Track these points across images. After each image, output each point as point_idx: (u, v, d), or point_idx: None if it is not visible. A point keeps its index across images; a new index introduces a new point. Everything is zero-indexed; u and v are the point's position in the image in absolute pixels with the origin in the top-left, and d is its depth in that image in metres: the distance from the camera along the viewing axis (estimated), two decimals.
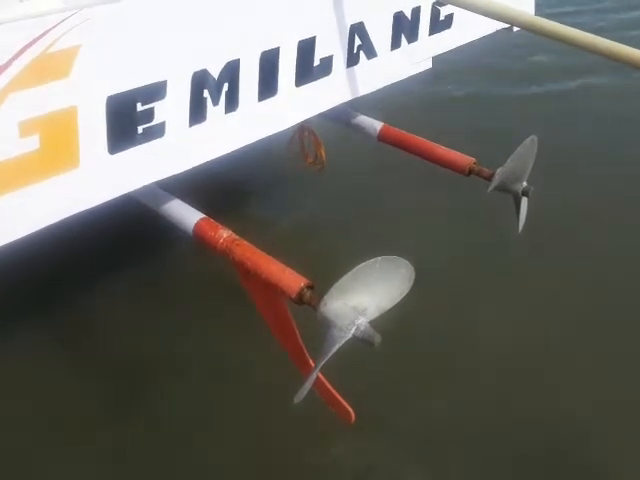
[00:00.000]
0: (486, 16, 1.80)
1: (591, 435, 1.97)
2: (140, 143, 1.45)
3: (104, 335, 2.26)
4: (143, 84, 1.41)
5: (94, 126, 1.36)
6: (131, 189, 1.51)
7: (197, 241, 1.71)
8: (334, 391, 1.73)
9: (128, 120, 1.41)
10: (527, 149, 2.05)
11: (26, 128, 1.25)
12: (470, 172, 2.15)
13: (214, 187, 2.56)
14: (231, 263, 1.63)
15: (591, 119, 3.58)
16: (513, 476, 1.88)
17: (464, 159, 2.17)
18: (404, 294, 1.48)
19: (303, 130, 2.60)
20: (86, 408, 1.99)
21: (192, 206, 1.77)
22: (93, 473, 1.83)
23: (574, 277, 2.51)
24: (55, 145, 1.31)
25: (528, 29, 1.69)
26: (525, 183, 2.11)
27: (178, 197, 1.80)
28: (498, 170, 2.07)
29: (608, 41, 1.57)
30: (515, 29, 2.21)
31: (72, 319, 2.29)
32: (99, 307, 2.33)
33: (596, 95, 3.84)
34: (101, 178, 1.41)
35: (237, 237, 1.65)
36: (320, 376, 1.62)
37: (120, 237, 2.46)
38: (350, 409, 1.74)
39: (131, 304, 2.34)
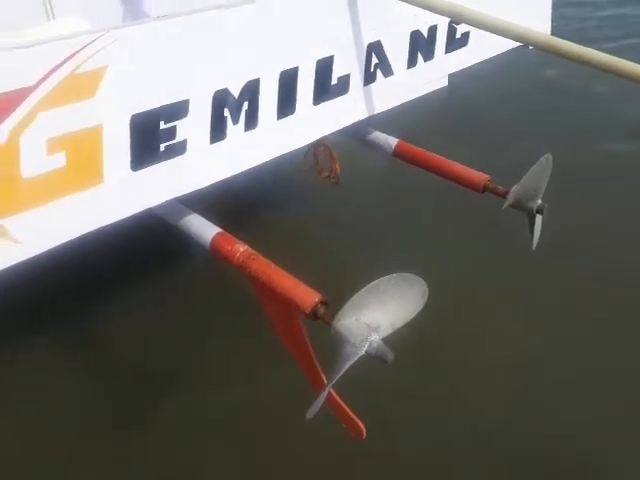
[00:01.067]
0: (501, 36, 1.82)
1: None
2: (162, 160, 1.49)
3: (124, 343, 2.30)
4: (166, 103, 1.45)
5: (118, 144, 1.40)
6: (152, 204, 1.55)
7: (214, 255, 1.74)
8: (346, 407, 1.74)
9: (151, 138, 1.45)
10: (542, 167, 2.05)
11: (53, 146, 1.30)
12: (485, 189, 2.15)
13: (232, 202, 2.60)
14: (247, 277, 1.65)
15: None
16: None
17: (479, 176, 2.18)
18: (417, 311, 1.49)
19: (319, 145, 2.63)
20: (99, 414, 2.03)
21: (210, 220, 1.81)
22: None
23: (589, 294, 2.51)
24: (80, 162, 1.35)
25: (543, 49, 1.70)
26: (540, 201, 2.12)
27: (196, 211, 1.84)
28: (513, 188, 2.07)
29: (625, 61, 1.58)
30: (530, 47, 2.23)
31: (94, 329, 2.33)
32: (120, 316, 2.37)
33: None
34: (124, 194, 1.45)
35: (253, 252, 1.68)
36: (332, 392, 1.63)
37: (140, 250, 2.50)
38: (361, 425, 1.75)
39: (149, 314, 2.38)
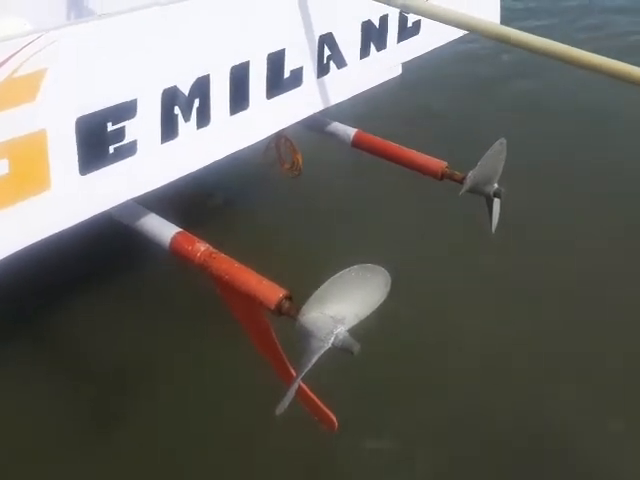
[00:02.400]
0: (451, 25, 1.84)
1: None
2: (112, 162, 1.45)
3: (86, 350, 2.25)
4: (113, 104, 1.41)
5: (64, 148, 1.35)
6: (104, 208, 1.51)
7: (174, 255, 1.72)
8: (317, 399, 1.75)
9: (99, 140, 1.41)
10: (497, 151, 2.09)
11: None
12: (442, 176, 2.18)
13: (191, 200, 2.57)
14: (209, 276, 1.63)
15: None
16: None
17: (436, 163, 2.21)
18: (382, 301, 1.51)
19: (279, 137, 2.62)
20: (71, 421, 1.98)
21: (168, 220, 1.78)
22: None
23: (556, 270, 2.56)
24: (25, 169, 1.30)
25: (493, 38, 1.73)
26: (496, 185, 2.16)
27: (154, 211, 1.81)
28: (469, 173, 2.11)
29: (567, 47, 1.61)
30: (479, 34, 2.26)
31: (52, 336, 2.28)
32: (81, 324, 2.32)
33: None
34: (73, 199, 1.41)
35: (214, 250, 1.66)
36: (302, 385, 1.63)
37: (97, 254, 2.45)
38: (333, 417, 1.76)
39: (112, 318, 2.33)
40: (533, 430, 2.03)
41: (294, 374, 1.58)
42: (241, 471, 1.89)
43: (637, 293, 2.54)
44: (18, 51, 1.23)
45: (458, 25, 1.85)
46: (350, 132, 2.38)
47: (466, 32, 2.43)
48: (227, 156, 1.74)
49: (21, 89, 1.25)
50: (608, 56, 1.53)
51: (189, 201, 2.53)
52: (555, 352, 2.28)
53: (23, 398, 2.04)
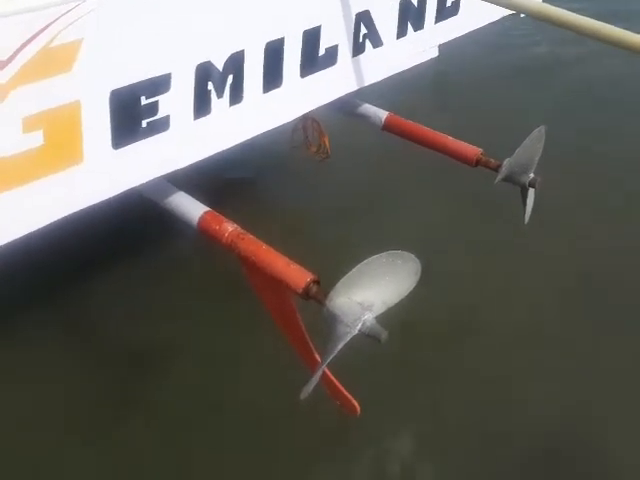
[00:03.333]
0: (493, 3, 1.76)
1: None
2: (144, 137, 1.43)
3: (109, 325, 2.26)
4: (147, 77, 1.39)
5: (98, 121, 1.34)
6: (136, 184, 1.50)
7: (202, 235, 1.70)
8: (340, 385, 1.73)
9: (132, 114, 1.39)
10: (535, 140, 2.02)
11: (29, 124, 1.23)
12: (477, 163, 2.12)
13: (219, 179, 2.55)
14: (236, 257, 1.62)
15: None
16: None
17: (471, 149, 2.14)
18: (411, 288, 1.47)
19: (307, 120, 2.57)
20: (87, 400, 2.00)
21: (197, 199, 1.76)
22: (94, 466, 1.84)
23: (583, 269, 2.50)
24: (59, 140, 1.29)
25: (535, 16, 1.65)
26: (532, 174, 2.09)
27: (183, 190, 1.79)
28: (505, 161, 2.04)
29: (616, 29, 1.53)
30: (522, 15, 2.17)
31: (77, 310, 2.29)
32: (108, 298, 2.33)
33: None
34: (105, 173, 1.40)
35: (242, 231, 1.64)
36: (326, 371, 1.62)
37: (125, 230, 2.45)
38: (356, 403, 1.75)
39: (136, 296, 2.34)
40: (561, 421, 1.98)
41: (319, 359, 1.56)
42: (262, 453, 1.89)
43: None
44: (55, 20, 1.21)
45: (498, 3, 1.77)
46: (382, 115, 2.32)
47: (506, 14, 2.37)
48: (258, 135, 1.71)
49: (57, 59, 1.23)
50: None
51: (218, 181, 2.51)
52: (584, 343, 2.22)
53: (46, 378, 2.05)
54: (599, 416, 2.02)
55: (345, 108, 2.35)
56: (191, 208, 1.73)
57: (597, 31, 1.56)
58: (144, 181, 1.51)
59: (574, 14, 1.59)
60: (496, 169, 2.06)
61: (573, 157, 3.04)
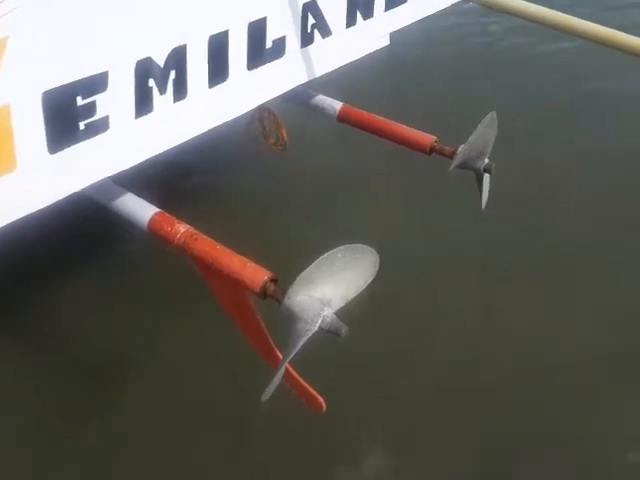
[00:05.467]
0: None
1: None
2: (83, 140, 1.36)
3: (69, 336, 2.19)
4: (82, 77, 1.32)
5: (31, 124, 1.27)
6: (77, 189, 1.43)
7: (153, 237, 1.65)
8: (304, 382, 1.71)
9: (68, 116, 1.32)
10: (488, 125, 2.03)
11: None
12: (432, 151, 2.12)
13: (170, 178, 2.48)
14: (190, 259, 1.57)
15: None
16: None
17: (425, 138, 2.14)
18: (369, 282, 1.46)
19: (262, 111, 2.52)
20: (60, 410, 1.94)
21: (147, 200, 1.70)
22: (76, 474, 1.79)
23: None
24: None
25: (483, 4, 1.65)
26: (487, 160, 2.10)
27: (131, 191, 1.73)
28: (460, 148, 2.05)
29: (565, 15, 1.55)
30: (470, 3, 2.18)
31: (33, 323, 2.20)
32: (57, 307, 2.25)
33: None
34: (42, 180, 1.33)
35: (195, 231, 1.59)
36: (289, 368, 1.59)
37: (72, 236, 2.37)
38: (321, 399, 1.73)
39: (91, 303, 2.26)
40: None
41: (281, 357, 1.53)
42: (231, 451, 1.86)
43: None
44: None
45: None
46: (336, 106, 2.30)
47: (455, 1, 2.37)
48: (207, 131, 1.66)
49: None
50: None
51: (167, 180, 2.45)
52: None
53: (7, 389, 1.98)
54: None
55: (299, 99, 2.31)
56: (141, 209, 1.67)
57: (546, 19, 1.57)
58: (85, 185, 1.44)
59: (522, 1, 1.60)
60: (451, 156, 2.07)
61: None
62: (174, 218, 1.62)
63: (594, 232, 2.66)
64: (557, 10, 1.57)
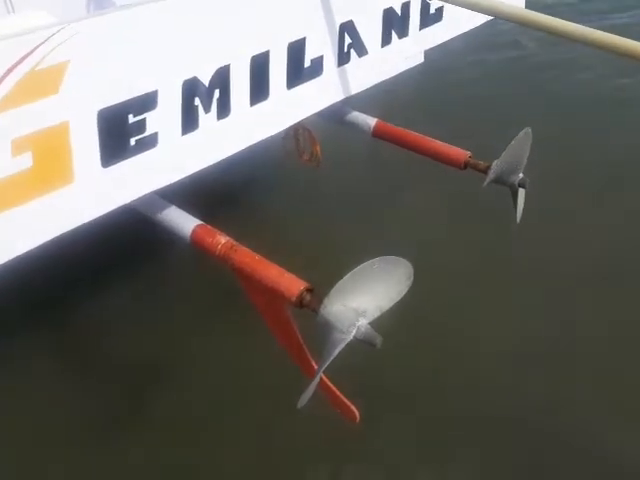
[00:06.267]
0: (475, 10, 1.79)
1: None
2: (133, 155, 1.44)
3: (109, 343, 2.27)
4: (133, 96, 1.41)
5: (86, 140, 1.36)
6: (126, 201, 1.51)
7: (195, 248, 1.71)
8: (338, 392, 1.73)
9: (120, 133, 1.41)
10: (522, 141, 2.04)
11: (18, 146, 1.25)
12: (466, 166, 2.14)
13: (211, 192, 2.56)
14: (230, 269, 1.63)
15: None
16: None
17: (459, 153, 2.16)
18: (404, 293, 1.48)
19: (298, 128, 2.59)
20: (90, 415, 2.00)
21: (189, 212, 1.77)
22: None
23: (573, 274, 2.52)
24: (48, 162, 1.31)
25: (517, 22, 1.68)
26: (521, 175, 2.11)
27: (175, 204, 1.80)
28: (494, 163, 2.06)
29: (599, 32, 1.56)
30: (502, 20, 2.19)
31: (73, 330, 2.29)
32: (98, 317, 2.34)
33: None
34: (96, 192, 1.41)
35: (235, 242, 1.65)
36: (324, 378, 1.62)
37: (118, 246, 2.46)
38: (355, 409, 1.75)
39: (132, 313, 2.34)
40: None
41: (315, 367, 1.57)
42: (262, 458, 1.89)
43: None
44: (41, 43, 1.23)
45: (482, 10, 1.80)
46: (371, 122, 2.34)
47: (490, 17, 2.39)
48: (247, 148, 1.72)
49: (44, 82, 1.25)
50: None
51: (209, 194, 2.53)
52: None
53: (44, 394, 2.06)
54: None
55: (334, 116, 2.36)
56: (183, 222, 1.74)
57: (578, 35, 1.58)
58: (134, 198, 1.53)
59: (556, 19, 1.62)
60: (485, 171, 2.08)
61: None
62: (215, 230, 1.69)
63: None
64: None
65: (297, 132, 2.60)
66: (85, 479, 1.87)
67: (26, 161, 1.27)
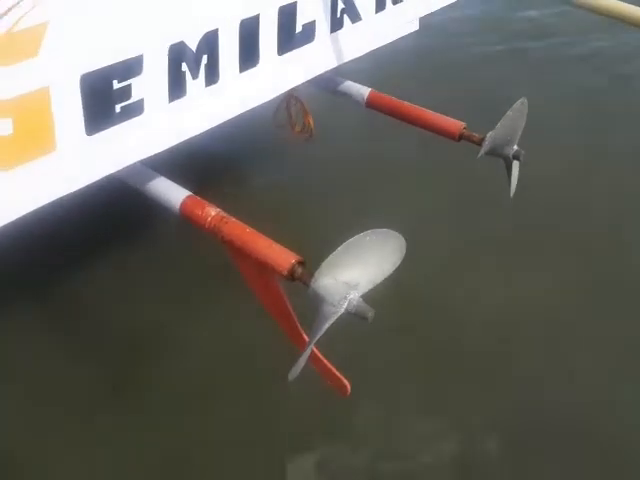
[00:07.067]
0: None
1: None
2: (119, 122, 1.40)
3: (95, 317, 2.25)
4: (118, 60, 1.35)
5: (69, 107, 1.30)
6: (112, 171, 1.47)
7: (184, 219, 1.68)
8: (330, 365, 1.73)
9: (104, 99, 1.36)
10: (517, 112, 2.01)
11: None
12: (460, 137, 2.10)
13: (200, 162, 2.52)
14: (220, 241, 1.60)
15: None
16: None
17: (454, 124, 2.12)
18: (396, 266, 1.47)
19: (290, 98, 2.54)
20: (80, 390, 1.99)
21: (178, 183, 1.73)
22: (91, 456, 1.84)
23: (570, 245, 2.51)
24: (29, 128, 1.26)
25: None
26: (516, 147, 2.07)
27: (163, 174, 1.76)
28: (488, 134, 2.02)
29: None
30: None
31: (59, 302, 2.27)
32: (89, 289, 2.31)
33: None
34: (80, 161, 1.37)
35: (225, 214, 1.62)
36: (315, 350, 1.62)
37: (105, 217, 2.42)
38: (346, 381, 1.75)
39: (120, 284, 2.32)
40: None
41: (307, 339, 1.56)
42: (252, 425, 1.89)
43: None
44: (17, 4, 1.16)
45: None
46: (364, 92, 2.30)
47: None
48: (237, 116, 1.68)
49: (22, 44, 1.19)
50: None
51: (199, 164, 2.48)
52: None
53: (35, 365, 2.05)
54: None
55: (327, 86, 2.31)
56: (172, 193, 1.70)
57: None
58: (121, 167, 1.48)
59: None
60: (479, 143, 2.05)
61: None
62: (205, 201, 1.65)
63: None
64: None
65: (289, 103, 2.55)
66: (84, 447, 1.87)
67: (5, 128, 1.22)
